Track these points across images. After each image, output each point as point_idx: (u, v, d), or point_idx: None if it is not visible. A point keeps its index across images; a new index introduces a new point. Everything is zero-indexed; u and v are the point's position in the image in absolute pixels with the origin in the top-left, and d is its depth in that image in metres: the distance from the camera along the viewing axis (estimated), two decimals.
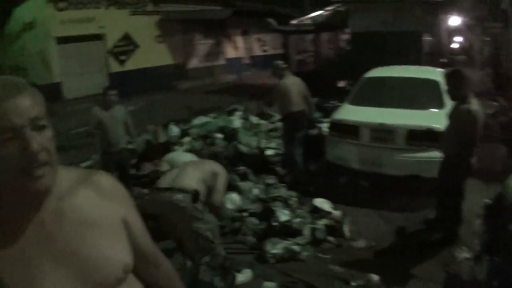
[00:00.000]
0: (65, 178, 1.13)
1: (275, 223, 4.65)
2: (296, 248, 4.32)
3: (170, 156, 5.70)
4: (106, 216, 1.16)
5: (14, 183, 0.98)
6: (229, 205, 5.10)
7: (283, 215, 4.75)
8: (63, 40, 15.16)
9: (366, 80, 6.77)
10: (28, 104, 0.98)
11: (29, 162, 0.96)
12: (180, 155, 5.60)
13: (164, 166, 5.01)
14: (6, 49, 18.37)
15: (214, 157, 6.60)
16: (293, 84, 6.45)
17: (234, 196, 5.29)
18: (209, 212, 3.82)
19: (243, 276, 3.87)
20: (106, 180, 1.22)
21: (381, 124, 5.53)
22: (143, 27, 17.56)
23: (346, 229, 4.79)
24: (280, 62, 6.69)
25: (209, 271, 2.98)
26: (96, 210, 1.14)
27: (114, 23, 16.50)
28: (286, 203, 5.15)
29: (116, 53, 17.02)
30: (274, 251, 4.27)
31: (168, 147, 7.67)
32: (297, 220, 4.72)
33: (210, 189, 3.91)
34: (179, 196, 3.59)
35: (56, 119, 12.24)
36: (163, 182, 3.90)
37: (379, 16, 12.07)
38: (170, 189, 3.68)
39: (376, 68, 7.15)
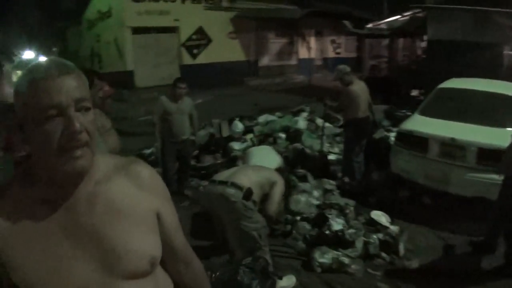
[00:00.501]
0: (102, 165, 1.14)
1: (327, 231, 4.49)
2: (345, 260, 4.14)
3: (252, 148, 5.77)
4: (139, 207, 1.15)
5: (52, 161, 0.99)
6: (293, 206, 5.05)
7: (337, 224, 4.57)
8: (137, 31, 15.73)
9: (440, 90, 6.40)
10: (74, 85, 1.00)
11: (69, 141, 0.98)
12: (261, 148, 5.67)
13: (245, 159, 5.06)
14: (83, 36, 19.45)
15: None
16: (361, 89, 6.27)
17: (299, 198, 5.19)
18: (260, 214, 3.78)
19: (286, 281, 3.78)
20: (144, 171, 1.21)
21: (452, 139, 5.19)
22: (217, 23, 17.85)
23: (402, 247, 4.52)
24: (345, 67, 6.29)
25: (249, 273, 2.91)
26: (130, 199, 1.14)
27: (189, 17, 16.92)
28: (342, 212, 4.97)
29: (189, 47, 17.44)
30: (322, 260, 4.13)
31: (230, 142, 7.74)
32: (351, 231, 4.52)
33: (265, 197, 3.90)
34: (231, 190, 3.59)
35: (126, 106, 12.83)
36: (220, 176, 3.92)
37: (458, 25, 11.38)
38: (225, 183, 3.68)
39: (452, 79, 6.75)
